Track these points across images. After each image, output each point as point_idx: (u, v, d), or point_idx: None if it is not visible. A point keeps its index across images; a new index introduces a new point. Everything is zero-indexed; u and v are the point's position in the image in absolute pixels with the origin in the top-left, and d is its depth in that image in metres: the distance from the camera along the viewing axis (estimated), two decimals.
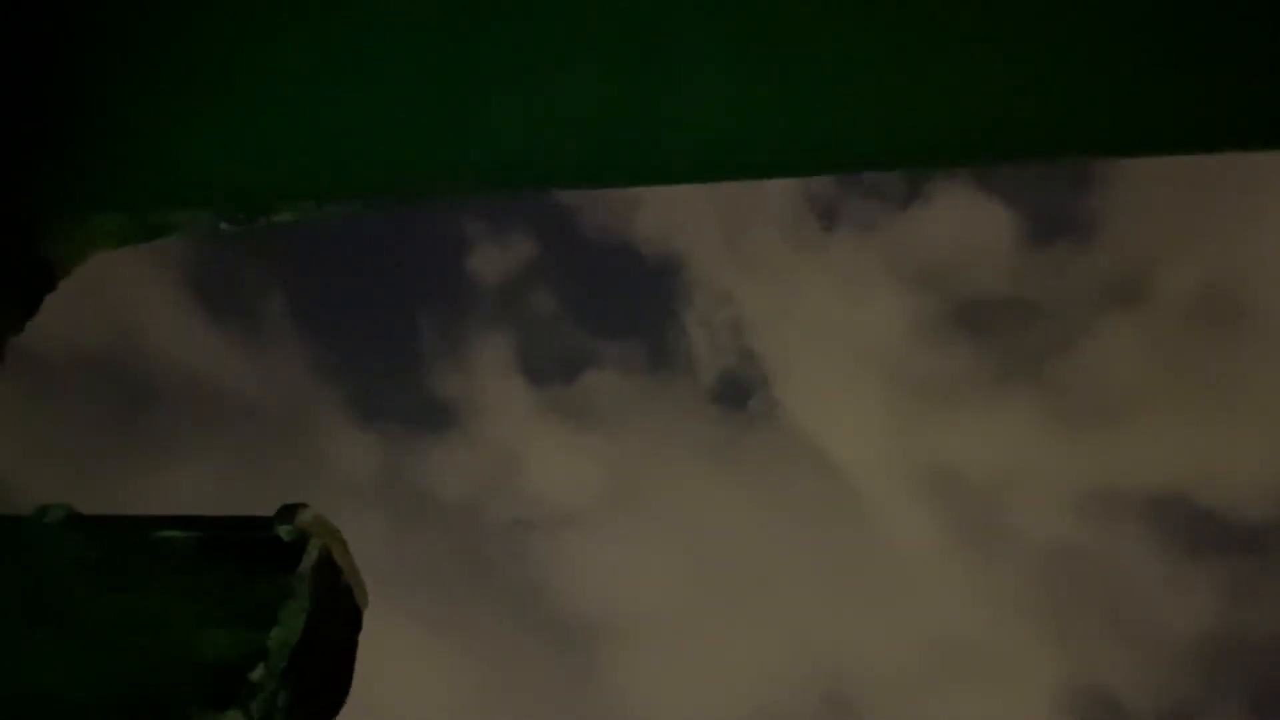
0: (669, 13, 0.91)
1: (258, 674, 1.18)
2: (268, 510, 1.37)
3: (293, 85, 0.93)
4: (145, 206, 0.95)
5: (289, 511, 1.30)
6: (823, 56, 0.91)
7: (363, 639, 1.34)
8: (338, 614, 1.27)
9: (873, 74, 0.91)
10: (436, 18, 0.89)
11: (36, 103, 0.92)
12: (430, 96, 0.91)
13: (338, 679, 1.27)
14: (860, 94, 0.91)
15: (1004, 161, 0.96)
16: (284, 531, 1.28)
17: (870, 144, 0.93)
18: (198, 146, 0.94)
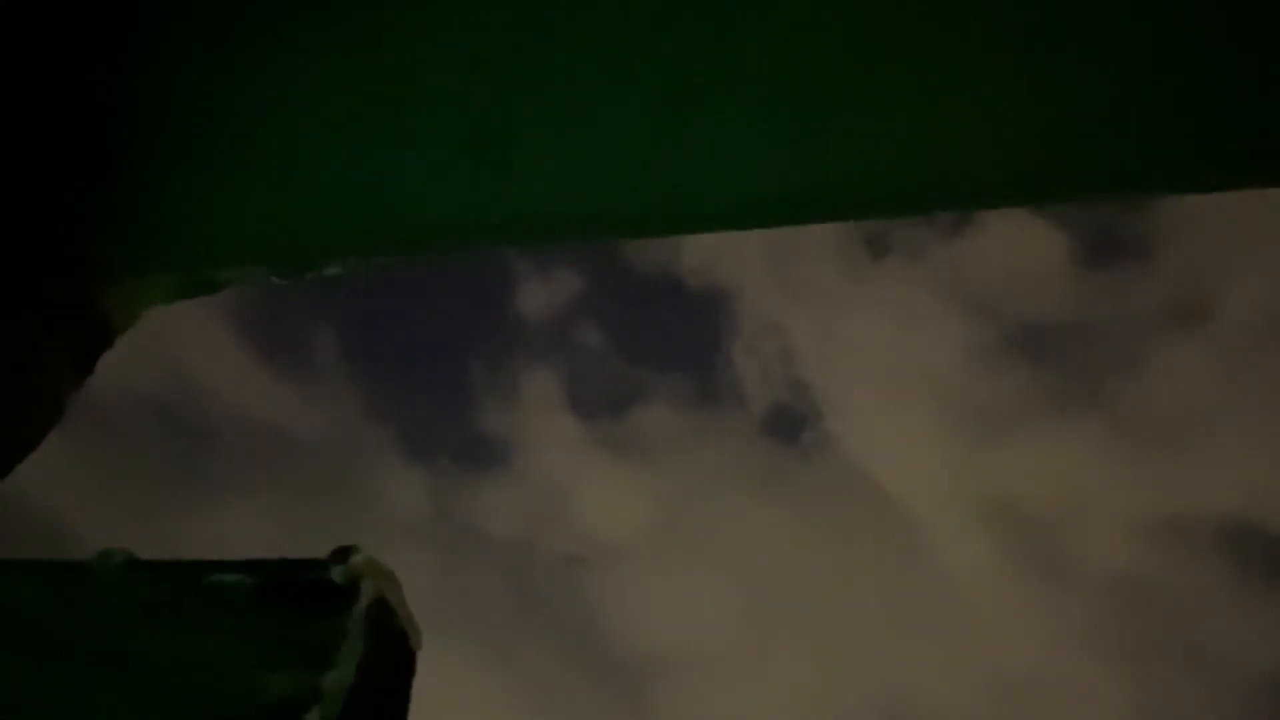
0: (705, 63, 0.91)
1: (313, 716, 1.18)
2: (321, 550, 1.38)
3: (334, 141, 0.95)
4: (197, 265, 0.97)
5: (342, 553, 1.30)
6: (860, 101, 0.91)
7: (415, 679, 1.34)
8: (391, 656, 1.27)
9: (909, 117, 0.91)
10: (473, 73, 0.90)
11: (89, 165, 0.95)
12: (467, 151, 0.92)
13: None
14: (899, 138, 0.91)
15: (1044, 203, 0.95)
16: (338, 574, 1.28)
17: (910, 188, 0.92)
18: (244, 205, 0.96)
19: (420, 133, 0.93)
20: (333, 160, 0.94)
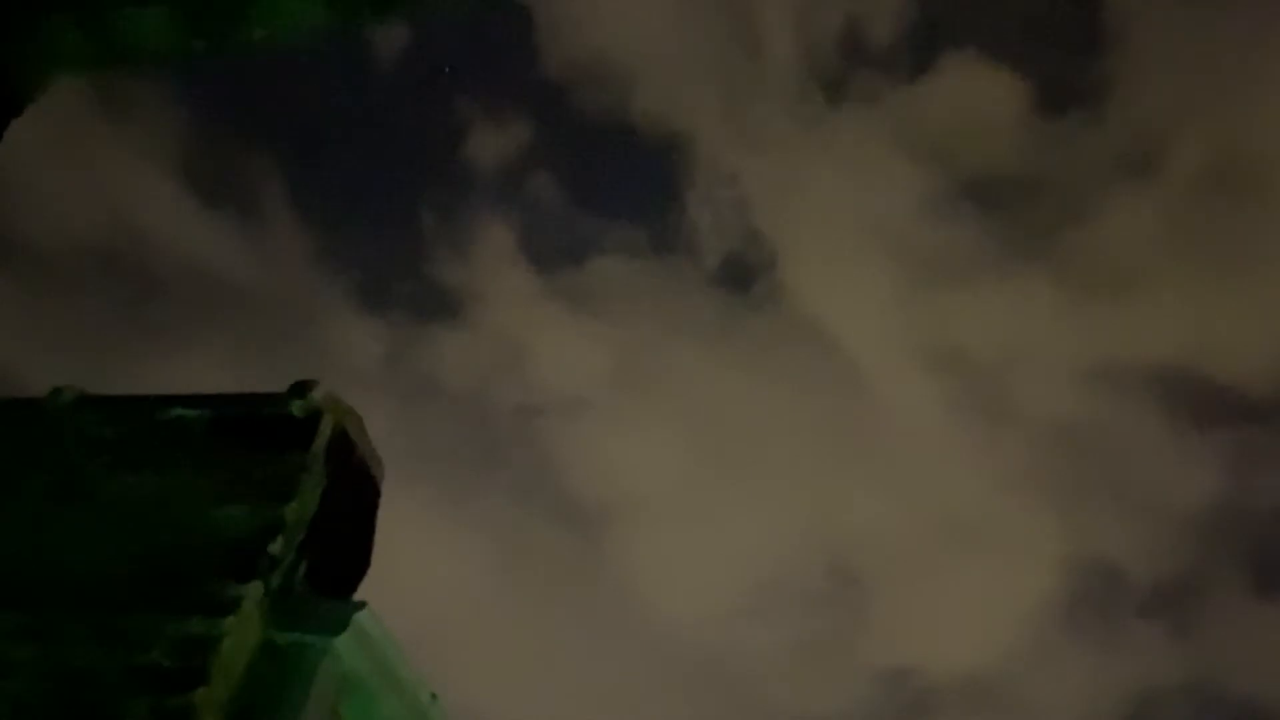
0: None
1: (276, 547, 1.18)
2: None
3: None
4: (102, 7, 0.90)
5: (301, 388, 1.29)
6: None
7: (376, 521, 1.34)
8: (354, 487, 1.27)
9: None
10: None
11: None
12: None
13: (357, 551, 1.27)
14: None
15: None
16: (297, 407, 1.27)
17: None
18: None
19: None
20: None
